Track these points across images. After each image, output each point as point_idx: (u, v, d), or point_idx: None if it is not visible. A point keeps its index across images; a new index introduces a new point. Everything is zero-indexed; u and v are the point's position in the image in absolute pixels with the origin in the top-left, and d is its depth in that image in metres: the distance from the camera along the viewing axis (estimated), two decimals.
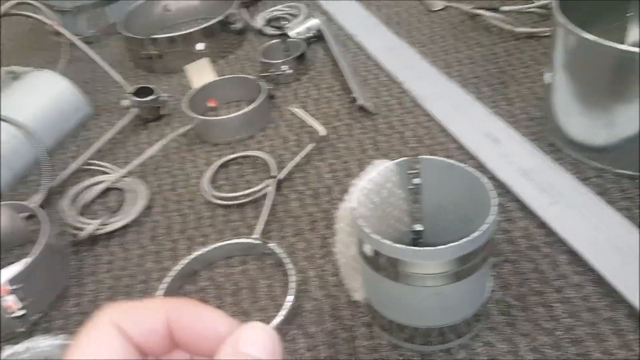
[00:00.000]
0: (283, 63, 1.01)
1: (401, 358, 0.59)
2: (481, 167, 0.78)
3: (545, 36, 1.01)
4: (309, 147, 0.86)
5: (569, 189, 0.71)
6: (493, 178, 0.76)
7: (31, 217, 0.84)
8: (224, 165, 0.89)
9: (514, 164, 0.76)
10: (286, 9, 1.23)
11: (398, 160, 0.58)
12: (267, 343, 0.25)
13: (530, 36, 1.02)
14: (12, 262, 0.79)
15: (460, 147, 0.82)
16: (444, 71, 0.97)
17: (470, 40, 1.05)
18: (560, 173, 0.74)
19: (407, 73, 0.98)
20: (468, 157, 0.80)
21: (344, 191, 0.79)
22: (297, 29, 1.10)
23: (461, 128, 0.84)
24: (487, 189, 0.54)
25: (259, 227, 0.74)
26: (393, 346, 0.60)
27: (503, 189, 0.74)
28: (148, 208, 0.83)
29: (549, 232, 0.68)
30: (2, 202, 0.79)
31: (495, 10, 1.07)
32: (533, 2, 1.08)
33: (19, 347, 0.64)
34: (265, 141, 0.92)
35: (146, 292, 0.71)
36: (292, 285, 0.66)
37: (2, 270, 0.77)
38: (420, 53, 1.03)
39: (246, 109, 0.92)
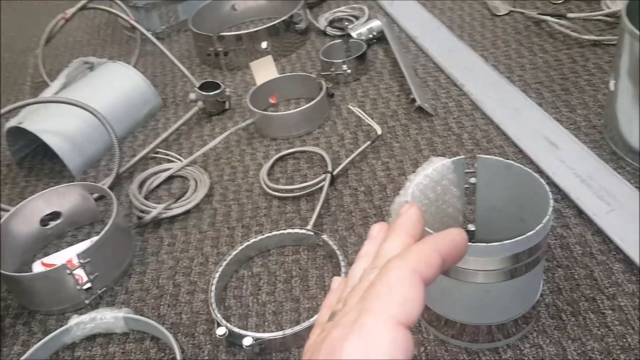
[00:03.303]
0: (343, 63, 1.03)
1: (447, 354, 0.60)
2: (539, 172, 0.77)
3: (612, 44, 0.99)
4: (365, 145, 0.87)
5: (627, 198, 0.70)
6: (550, 183, 0.75)
7: (101, 198, 0.89)
8: (282, 159, 0.92)
9: (572, 169, 0.75)
10: (349, 10, 1.26)
11: (455, 158, 0.59)
12: None
13: (596, 44, 1.01)
14: (82, 239, 0.84)
15: (519, 151, 0.82)
16: (505, 75, 0.97)
17: (533, 46, 1.04)
18: (619, 181, 0.72)
19: (467, 76, 0.98)
20: (526, 161, 0.80)
21: (397, 189, 0.81)
22: (359, 30, 1.12)
23: (520, 132, 0.84)
24: (543, 189, 0.54)
25: (313, 219, 0.77)
26: (440, 341, 0.61)
27: (560, 195, 0.74)
28: (208, 196, 0.87)
29: (605, 240, 0.67)
30: (75, 182, 0.84)
31: (561, 16, 1.06)
32: (601, 10, 1.06)
33: (84, 317, 0.69)
34: (322, 137, 0.94)
35: (204, 274, 0.75)
36: (343, 276, 0.68)
37: (72, 246, 0.83)
38: (481, 57, 1.03)
39: (305, 106, 0.94)
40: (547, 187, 0.54)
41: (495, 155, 0.82)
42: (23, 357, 0.66)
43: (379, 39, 1.14)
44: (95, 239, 0.74)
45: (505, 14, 1.15)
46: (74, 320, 0.69)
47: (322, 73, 1.06)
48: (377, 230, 0.36)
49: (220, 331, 0.63)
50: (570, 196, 0.72)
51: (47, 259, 0.81)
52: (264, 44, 1.14)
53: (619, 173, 0.74)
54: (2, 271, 0.71)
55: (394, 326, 0.26)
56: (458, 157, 0.59)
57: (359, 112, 0.94)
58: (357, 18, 1.23)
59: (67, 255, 0.80)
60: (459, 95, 0.96)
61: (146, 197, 0.88)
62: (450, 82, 0.99)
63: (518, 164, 0.58)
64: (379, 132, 0.89)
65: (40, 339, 0.68)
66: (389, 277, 0.28)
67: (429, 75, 1.02)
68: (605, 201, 0.70)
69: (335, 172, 0.84)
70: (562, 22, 1.05)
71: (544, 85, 0.94)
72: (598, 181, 0.73)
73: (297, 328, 0.62)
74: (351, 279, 0.34)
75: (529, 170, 0.57)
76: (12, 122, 0.96)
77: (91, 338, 0.70)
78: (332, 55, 1.08)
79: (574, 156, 0.78)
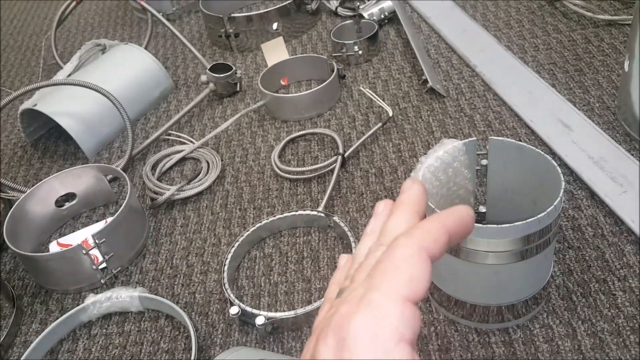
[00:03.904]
0: (355, 44, 1.03)
1: (457, 334, 0.60)
2: (551, 153, 0.77)
3: (627, 24, 0.98)
4: (376, 127, 0.87)
5: None
6: (563, 165, 0.75)
7: (115, 179, 0.90)
8: (293, 141, 0.92)
9: (585, 151, 0.75)
10: None
11: (467, 140, 0.59)
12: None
13: (611, 24, 0.99)
14: (97, 220, 0.85)
15: (531, 133, 0.82)
16: (518, 56, 0.96)
17: (547, 26, 1.03)
18: (632, 163, 0.72)
19: (480, 57, 0.97)
20: (538, 142, 0.80)
21: (409, 171, 0.81)
22: (371, 10, 1.11)
23: (533, 114, 0.84)
24: (556, 171, 0.54)
25: (324, 201, 0.77)
26: (450, 321, 0.61)
27: (572, 176, 0.74)
28: (220, 178, 0.88)
29: (617, 222, 0.67)
30: (89, 164, 0.85)
31: None
32: None
33: (101, 296, 0.70)
34: (333, 119, 0.94)
35: (216, 254, 0.76)
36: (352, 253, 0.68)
37: (88, 226, 0.84)
38: (495, 37, 1.02)
39: (316, 88, 0.94)
40: (559, 169, 0.54)
41: (508, 137, 0.81)
42: (41, 335, 0.67)
43: (391, 19, 1.13)
44: (110, 219, 0.75)
45: None
46: (91, 299, 0.70)
47: (333, 54, 1.06)
48: (382, 207, 0.36)
49: (234, 310, 0.64)
50: (582, 178, 0.72)
51: (63, 240, 0.83)
52: (274, 25, 1.13)
53: (632, 155, 0.74)
54: (19, 251, 0.72)
55: (402, 303, 0.26)
56: (470, 139, 0.59)
57: (370, 94, 0.94)
58: None
59: (83, 235, 0.82)
60: (471, 76, 0.95)
61: (159, 179, 0.89)
62: (462, 63, 0.99)
63: (530, 146, 0.58)
64: (391, 113, 0.89)
65: (58, 318, 0.69)
66: (396, 254, 0.28)
67: (441, 56, 1.02)
68: (617, 183, 0.70)
69: (346, 154, 0.84)
70: (577, 1, 1.03)
71: (557, 66, 0.93)
72: (611, 163, 0.73)
73: (308, 308, 0.63)
74: (358, 256, 0.34)
75: (541, 152, 0.57)
76: (26, 105, 0.97)
77: (107, 316, 0.71)
78: (343, 36, 1.07)
79: (586, 138, 0.77)
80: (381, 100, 0.92)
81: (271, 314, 0.63)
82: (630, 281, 0.61)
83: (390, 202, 0.36)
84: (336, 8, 1.20)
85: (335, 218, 0.74)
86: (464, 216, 0.31)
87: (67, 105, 0.96)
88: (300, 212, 0.76)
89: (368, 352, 0.25)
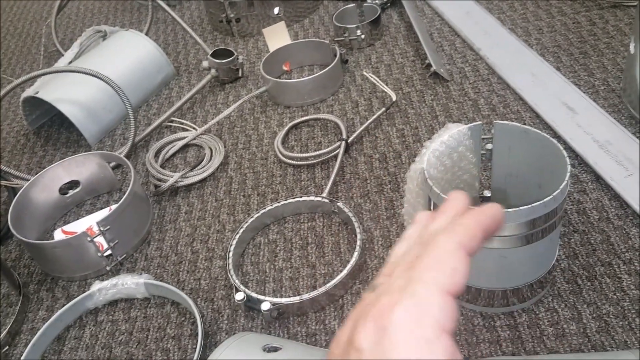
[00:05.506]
0: (357, 28, 1.02)
1: (462, 317, 0.60)
2: (556, 137, 0.77)
3: (632, 6, 0.96)
4: (380, 112, 0.87)
5: None
6: (568, 148, 0.74)
7: (118, 167, 0.90)
8: (296, 126, 0.92)
9: (590, 134, 0.75)
10: None
11: (472, 124, 0.59)
12: None
13: (616, 5, 0.98)
14: (101, 207, 0.85)
15: (536, 117, 0.81)
16: (522, 39, 0.95)
17: (551, 8, 1.02)
18: (637, 146, 0.72)
19: (484, 40, 0.96)
20: (543, 126, 0.79)
21: (413, 156, 0.81)
22: None
23: (537, 97, 0.83)
24: (561, 155, 0.54)
25: (328, 186, 0.77)
26: None
27: (577, 160, 0.73)
28: (224, 164, 0.87)
29: (622, 205, 0.67)
30: (92, 151, 0.85)
31: None
32: None
33: (106, 283, 0.71)
34: (336, 105, 0.94)
35: (221, 241, 0.76)
36: (358, 242, 0.68)
37: (92, 214, 0.84)
38: (498, 20, 1.01)
39: (319, 73, 0.94)
40: (564, 153, 0.54)
41: (512, 121, 0.81)
42: (48, 322, 0.68)
43: (393, 2, 1.12)
44: (114, 207, 0.75)
45: None
46: (96, 286, 0.71)
47: (336, 39, 1.05)
48: (423, 216, 0.38)
49: (239, 296, 0.64)
50: (587, 161, 0.72)
51: (68, 227, 0.83)
52: (276, 10, 1.12)
53: (637, 137, 0.73)
54: (24, 239, 0.73)
55: (443, 295, 0.27)
56: (475, 123, 0.59)
57: (374, 79, 0.93)
58: None
59: (87, 223, 0.82)
60: (475, 59, 0.95)
61: (162, 166, 0.89)
62: (466, 46, 0.98)
63: (535, 130, 0.57)
64: (394, 98, 0.88)
65: (64, 305, 0.69)
66: (438, 249, 0.30)
67: (444, 40, 1.01)
68: (623, 166, 0.70)
69: (349, 140, 0.84)
70: None
71: (562, 49, 0.92)
72: (616, 146, 0.72)
73: (313, 293, 0.63)
74: (393, 256, 0.35)
75: (546, 135, 0.56)
76: (28, 92, 0.96)
77: (113, 303, 0.71)
78: (345, 20, 1.06)
79: (592, 121, 0.77)
80: (384, 85, 0.91)
81: (276, 300, 0.63)
82: (636, 264, 0.61)
83: (430, 212, 0.38)
84: None
85: (339, 204, 0.74)
86: (497, 214, 0.33)
87: (69, 92, 0.96)
88: (304, 198, 0.76)
89: (410, 342, 0.25)
